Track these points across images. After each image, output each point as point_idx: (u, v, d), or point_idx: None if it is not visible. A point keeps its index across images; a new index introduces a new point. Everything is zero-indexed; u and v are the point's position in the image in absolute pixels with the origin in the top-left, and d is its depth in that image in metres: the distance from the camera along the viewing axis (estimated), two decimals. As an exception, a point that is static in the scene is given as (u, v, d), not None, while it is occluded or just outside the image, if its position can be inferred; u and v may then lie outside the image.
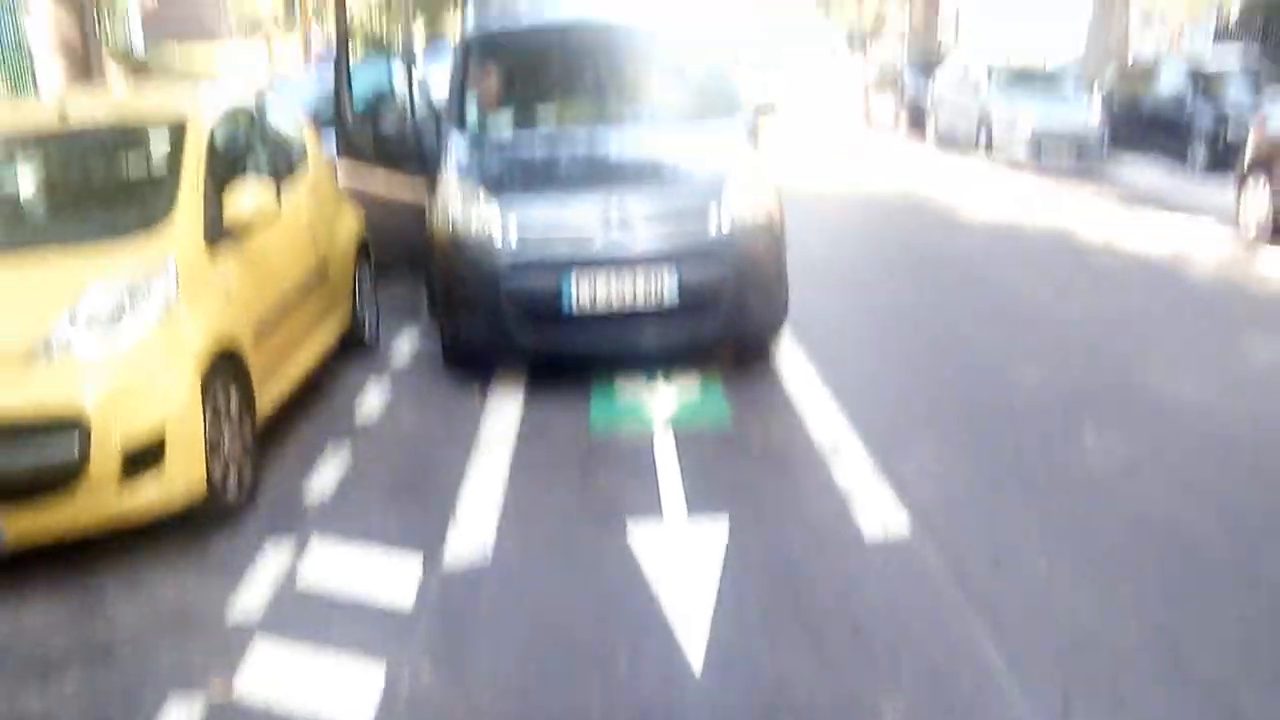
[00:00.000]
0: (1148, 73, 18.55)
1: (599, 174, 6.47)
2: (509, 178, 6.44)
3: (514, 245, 6.00)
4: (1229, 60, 17.88)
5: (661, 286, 5.98)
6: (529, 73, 7.57)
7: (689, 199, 6.20)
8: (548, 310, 6.00)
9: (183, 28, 32.72)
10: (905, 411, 5.97)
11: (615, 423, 5.83)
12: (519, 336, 6.07)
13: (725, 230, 6.08)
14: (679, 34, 7.77)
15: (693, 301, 6.04)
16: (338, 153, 8.20)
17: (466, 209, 6.13)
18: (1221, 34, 27.55)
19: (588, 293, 5.94)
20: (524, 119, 7.33)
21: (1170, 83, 17.08)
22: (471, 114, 7.14)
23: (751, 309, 6.27)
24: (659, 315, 6.05)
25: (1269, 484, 4.93)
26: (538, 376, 6.57)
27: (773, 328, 6.66)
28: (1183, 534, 4.42)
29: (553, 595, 4.09)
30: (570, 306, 5.95)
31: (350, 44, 25.20)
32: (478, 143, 6.90)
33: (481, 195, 6.14)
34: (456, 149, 6.71)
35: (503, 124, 7.28)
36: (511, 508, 4.83)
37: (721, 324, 6.16)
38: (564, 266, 5.96)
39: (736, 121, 6.96)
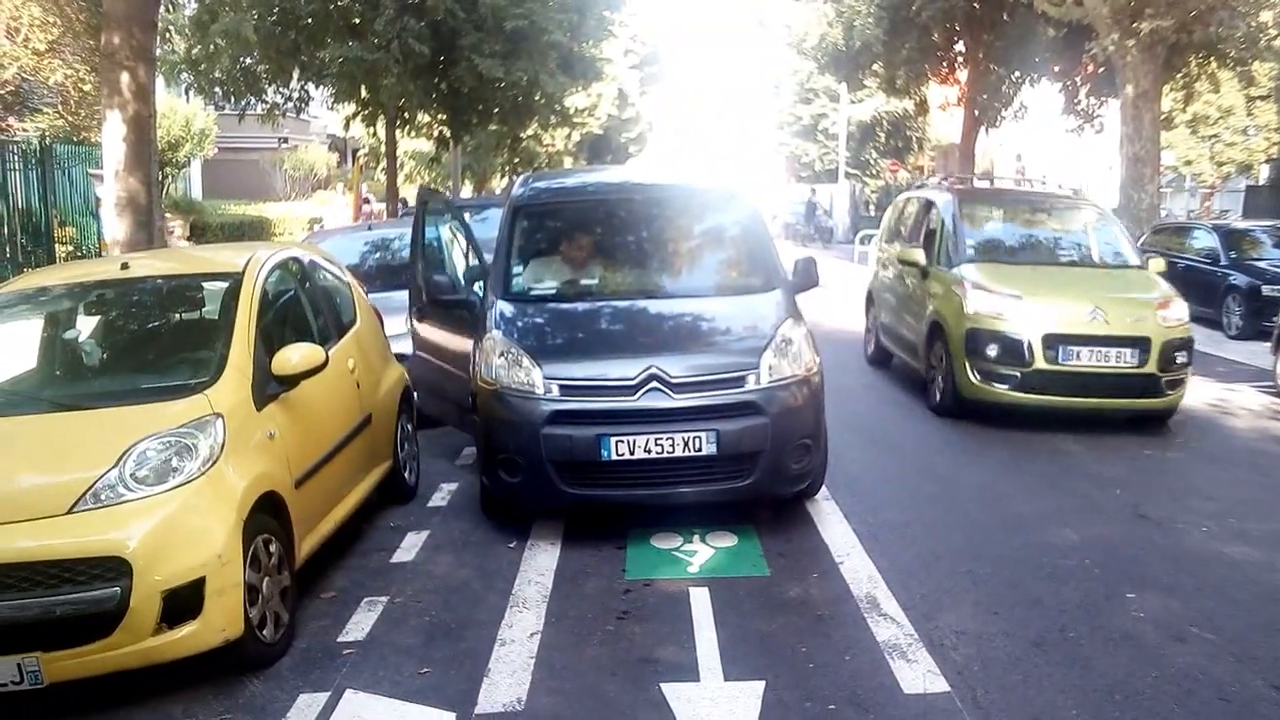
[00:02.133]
0: (1180, 232, 18.78)
1: (641, 335, 6.56)
2: (552, 338, 6.57)
3: (555, 399, 6.10)
4: (1261, 225, 18.10)
5: (700, 437, 6.03)
6: (575, 236, 7.60)
7: (730, 355, 6.33)
8: (586, 460, 6.05)
9: (239, 186, 33.95)
10: (941, 567, 5.92)
11: (651, 572, 5.83)
12: (558, 485, 6.10)
13: (765, 384, 6.17)
14: (720, 200, 7.94)
15: (732, 453, 6.08)
16: (411, 315, 8.58)
17: (509, 366, 6.27)
18: (1252, 199, 27.91)
19: (626, 444, 6.00)
20: (570, 282, 7.34)
21: (1203, 246, 17.24)
22: (516, 275, 7.27)
23: (789, 463, 6.28)
24: (699, 463, 6.09)
25: (1317, 647, 4.83)
26: (573, 525, 6.59)
27: (812, 483, 6.71)
28: (1231, 696, 4.32)
29: (585, 749, 4.05)
30: (609, 457, 6.00)
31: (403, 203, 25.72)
32: (521, 303, 6.94)
33: (524, 354, 6.28)
34: (500, 309, 6.80)
35: (547, 286, 7.31)
36: (545, 660, 4.81)
37: (760, 477, 6.17)
38: (603, 418, 6.05)
39: (778, 296, 6.94)
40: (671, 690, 4.46)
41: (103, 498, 4.33)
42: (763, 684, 4.48)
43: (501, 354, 6.35)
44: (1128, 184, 21.10)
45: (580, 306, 7.04)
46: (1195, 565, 5.90)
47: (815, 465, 6.58)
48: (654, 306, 6.94)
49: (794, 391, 6.28)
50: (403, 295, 9.78)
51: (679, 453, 6.03)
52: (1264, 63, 25.04)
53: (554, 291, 7.22)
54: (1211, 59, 23.38)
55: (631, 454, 6.01)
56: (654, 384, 6.08)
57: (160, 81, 15.33)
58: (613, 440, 6.00)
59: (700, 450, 6.04)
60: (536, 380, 6.16)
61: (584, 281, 7.35)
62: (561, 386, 6.13)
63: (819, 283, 7.36)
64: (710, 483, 6.18)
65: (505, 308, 6.83)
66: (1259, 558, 6.01)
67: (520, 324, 6.68)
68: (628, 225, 7.79)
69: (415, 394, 7.97)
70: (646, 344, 6.43)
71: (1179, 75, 24.12)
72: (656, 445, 6.01)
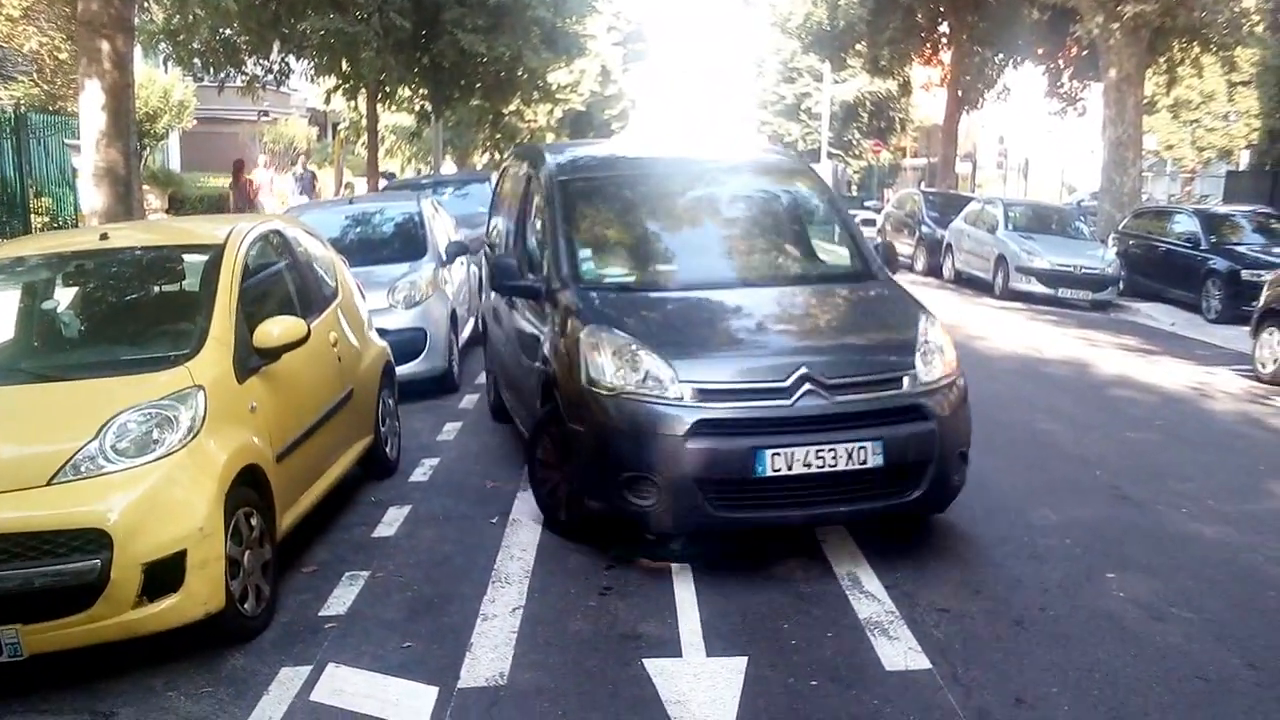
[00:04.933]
0: (1161, 216, 18.90)
1: (773, 328, 6.00)
2: (670, 333, 5.69)
3: (697, 405, 5.26)
4: (1241, 210, 18.23)
5: (865, 447, 5.28)
6: (639, 216, 6.97)
7: (881, 351, 5.75)
8: (738, 478, 5.23)
9: (219, 159, 33.69)
10: (923, 546, 5.94)
11: (634, 549, 5.82)
12: (704, 508, 5.24)
13: (925, 385, 5.53)
14: (789, 176, 7.54)
15: (897, 464, 5.37)
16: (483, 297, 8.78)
17: (626, 366, 5.42)
18: (1232, 184, 28.10)
19: (783, 458, 5.18)
20: (649, 267, 6.64)
21: (1183, 230, 17.33)
22: (585, 260, 6.46)
23: (951, 474, 5.62)
24: (862, 476, 5.33)
25: (1294, 627, 4.88)
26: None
27: (958, 490, 5.83)
28: (1210, 675, 4.35)
29: (568, 723, 4.05)
30: (763, 472, 5.18)
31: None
32: (603, 292, 6.15)
33: (648, 351, 5.42)
34: (586, 298, 5.99)
35: (621, 272, 6.55)
36: (528, 635, 4.81)
37: (926, 491, 5.48)
38: (755, 428, 5.25)
39: (897, 286, 6.50)
40: (654, 666, 4.46)
41: (83, 469, 4.29)
42: (745, 660, 4.49)
43: (615, 352, 5.48)
44: (1110, 167, 21.18)
45: (683, 296, 6.19)
46: (1175, 546, 5.94)
47: (964, 468, 5.79)
48: (764, 296, 6.26)
49: (952, 393, 5.65)
50: (384, 269, 9.80)
51: (841, 466, 5.24)
52: (1246, 48, 25.12)
53: (634, 279, 6.44)
54: (1194, 44, 23.47)
55: (789, 469, 5.18)
56: (808, 385, 5.29)
57: (138, 51, 15.15)
58: (768, 453, 5.15)
59: (865, 462, 5.26)
60: (669, 383, 5.30)
61: (663, 267, 6.64)
62: (701, 391, 5.28)
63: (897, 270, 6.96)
64: (873, 500, 5.44)
65: (590, 297, 6.03)
66: (1237, 539, 6.06)
67: (622, 317, 5.80)
68: (697, 203, 7.14)
69: (501, 394, 8.08)
70: (786, 339, 5.84)
71: (1162, 59, 24.21)
72: (817, 458, 5.20)
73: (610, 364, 5.45)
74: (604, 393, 5.42)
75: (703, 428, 5.19)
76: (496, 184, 9.44)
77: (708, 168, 7.50)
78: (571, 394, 5.63)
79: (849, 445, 5.24)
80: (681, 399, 5.26)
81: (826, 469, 5.21)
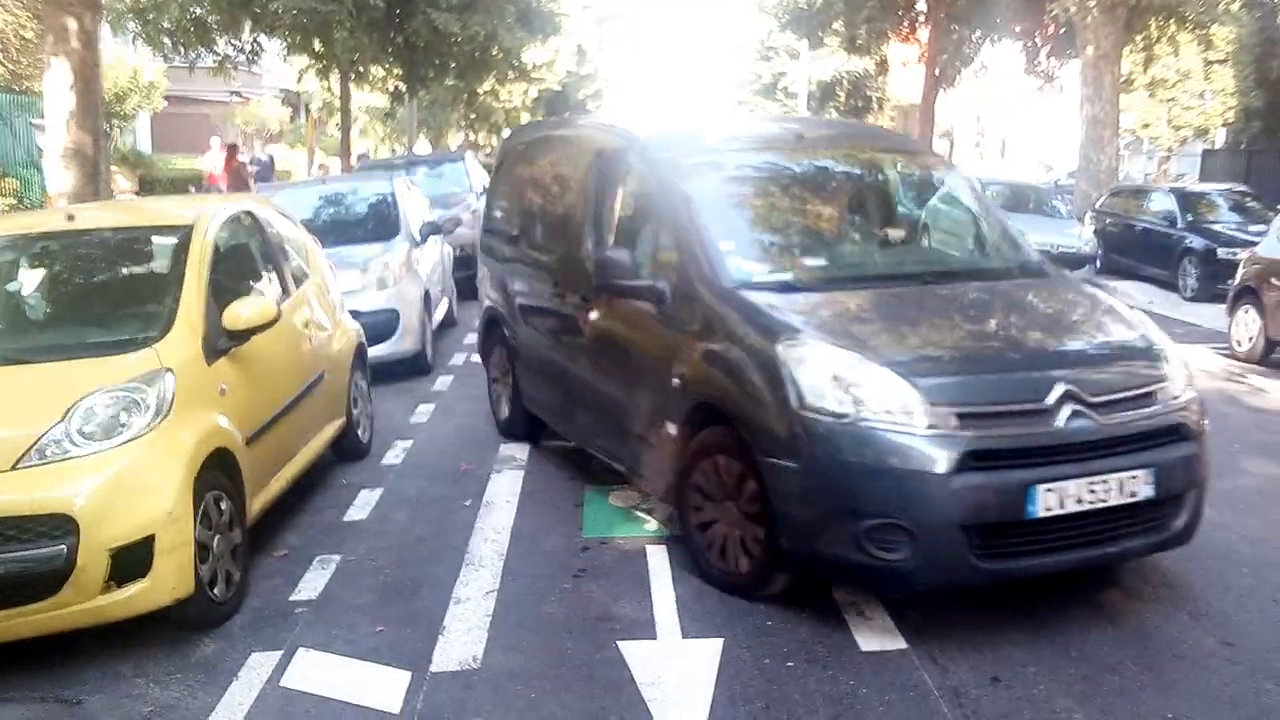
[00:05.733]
0: (1138, 195, 18.97)
1: (1010, 335, 5.01)
2: (897, 344, 4.73)
3: (956, 434, 4.32)
4: (1218, 188, 18.32)
5: (1136, 476, 4.49)
6: (775, 201, 6.01)
7: (1128, 360, 4.94)
8: (1004, 520, 4.34)
9: (191, 140, 33.41)
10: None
11: (609, 530, 5.79)
12: (969, 558, 4.31)
13: (1180, 400, 4.79)
14: (912, 154, 6.92)
15: (1168, 491, 4.63)
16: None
17: (854, 386, 4.41)
18: (1209, 162, 28.23)
19: (1055, 494, 4.33)
20: (808, 261, 5.56)
21: (1160, 209, 17.40)
22: (730, 257, 5.29)
23: (1204, 502, 4.90)
24: (1130, 511, 4.55)
25: (1266, 602, 4.89)
26: (530, 484, 6.55)
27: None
28: (1185, 654, 4.36)
29: (544, 703, 4.02)
30: (1034, 513, 4.33)
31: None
32: (782, 297, 5.02)
33: (881, 367, 4.44)
34: (762, 302, 4.95)
35: (781, 268, 5.42)
36: (501, 618, 4.77)
37: (1186, 522, 4.77)
38: (1023, 458, 4.37)
39: (1085, 283, 5.85)
40: (629, 648, 4.43)
41: (48, 454, 4.23)
42: (720, 641, 4.47)
43: (836, 369, 4.47)
44: (1087, 146, 21.23)
45: (869, 296, 5.25)
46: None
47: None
48: (959, 296, 5.37)
49: (1199, 405, 4.90)
50: (357, 250, 9.70)
51: (1112, 500, 4.44)
52: (1222, 26, 25.16)
53: (792, 276, 5.31)
54: (1171, 21, 23.49)
55: (1061, 506, 4.33)
56: (1073, 405, 4.44)
57: (106, 30, 14.96)
58: (1040, 489, 4.29)
59: (1134, 495, 4.48)
60: (918, 407, 4.33)
61: (814, 261, 5.58)
62: (960, 416, 4.34)
63: None
64: (1138, 536, 4.65)
65: (760, 301, 4.95)
66: (1213, 517, 6.02)
67: (818, 324, 4.80)
68: (834, 185, 6.34)
69: (537, 412, 7.10)
70: (1028, 348, 4.89)
71: (1139, 37, 24.22)
72: (1090, 491, 4.37)
73: (829, 384, 4.43)
74: (829, 420, 4.38)
75: (971, 461, 4.26)
76: (504, 162, 8.18)
77: (834, 143, 6.64)
78: (770, 421, 4.55)
79: (1120, 475, 4.44)
80: (936, 427, 4.30)
81: (1097, 504, 4.40)
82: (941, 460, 4.24)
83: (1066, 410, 4.41)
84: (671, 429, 5.22)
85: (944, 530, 4.27)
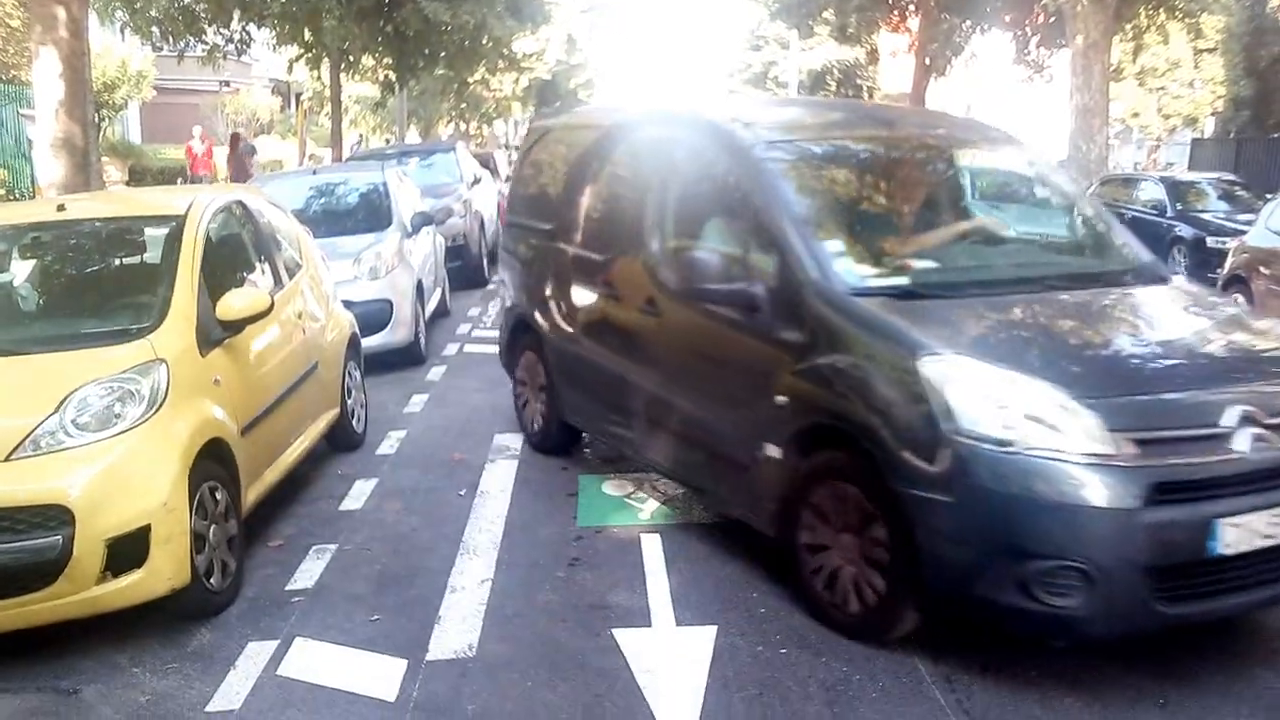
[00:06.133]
0: (1127, 184, 19.04)
1: (1150, 345, 4.62)
2: (1053, 359, 4.19)
3: (1136, 463, 3.81)
4: (1207, 177, 18.39)
5: None
6: (873, 198, 5.58)
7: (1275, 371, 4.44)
8: (1189, 560, 3.88)
9: (181, 130, 33.33)
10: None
11: (603, 519, 5.81)
12: (1149, 602, 3.83)
13: None
14: (1006, 147, 6.21)
15: None
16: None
17: (1013, 408, 3.90)
18: (1198, 151, 28.31)
19: (1239, 528, 3.85)
20: (924, 264, 5.03)
21: (1149, 197, 17.47)
22: (840, 255, 4.78)
23: None
24: None
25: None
26: (524, 472, 6.57)
27: None
28: (1177, 638, 4.40)
29: (538, 692, 4.05)
30: (1215, 550, 3.84)
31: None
32: (907, 304, 4.49)
33: (1050, 387, 3.92)
34: (882, 316, 4.40)
35: (891, 272, 4.85)
36: (496, 607, 4.79)
37: None
38: (1206, 492, 3.87)
39: (1198, 287, 5.48)
40: (623, 636, 4.45)
41: (42, 445, 4.23)
42: (715, 629, 4.49)
43: (993, 389, 3.97)
44: (1076, 135, 21.23)
45: (1002, 303, 4.70)
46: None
47: None
48: (1094, 303, 4.88)
49: None
50: (349, 240, 9.70)
51: None
52: (1211, 15, 25.22)
53: (908, 281, 4.75)
54: (1160, 10, 23.53)
55: (1245, 543, 3.87)
56: (1251, 428, 3.93)
57: (94, 19, 14.89)
58: (1222, 524, 3.82)
59: None
60: (1095, 433, 3.81)
61: (928, 264, 5.06)
62: (1141, 443, 3.84)
63: None
64: None
65: (893, 309, 4.44)
66: None
67: (961, 336, 4.32)
68: (935, 179, 5.91)
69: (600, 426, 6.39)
70: (1194, 363, 4.44)
71: (1128, 26, 24.26)
72: (1271, 524, 3.89)
73: (988, 406, 3.92)
74: (991, 447, 3.86)
75: (1159, 495, 3.77)
76: (534, 149, 7.45)
77: (927, 132, 6.08)
78: (913, 449, 4.01)
79: None
80: (1116, 455, 3.79)
81: (1276, 540, 3.92)
82: (1128, 494, 3.74)
83: (1247, 434, 3.90)
84: (773, 451, 4.66)
85: (1126, 572, 3.78)
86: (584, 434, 6.89)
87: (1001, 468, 3.83)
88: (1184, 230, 16.07)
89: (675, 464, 5.65)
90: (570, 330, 6.49)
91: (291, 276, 6.61)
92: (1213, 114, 33.14)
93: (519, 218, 7.44)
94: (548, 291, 6.73)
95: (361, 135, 36.49)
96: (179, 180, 23.02)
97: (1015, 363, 4.08)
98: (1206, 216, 16.36)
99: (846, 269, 4.70)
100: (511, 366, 7.48)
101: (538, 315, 6.88)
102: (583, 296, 6.33)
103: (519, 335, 7.26)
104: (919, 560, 4.04)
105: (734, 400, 4.97)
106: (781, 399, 4.60)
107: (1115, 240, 5.53)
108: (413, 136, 35.24)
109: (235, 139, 22.71)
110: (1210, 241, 15.27)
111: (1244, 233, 12.31)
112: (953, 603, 4.10)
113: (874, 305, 4.47)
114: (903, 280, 4.74)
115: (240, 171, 21.42)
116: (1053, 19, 25.64)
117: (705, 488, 5.51)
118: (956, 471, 3.89)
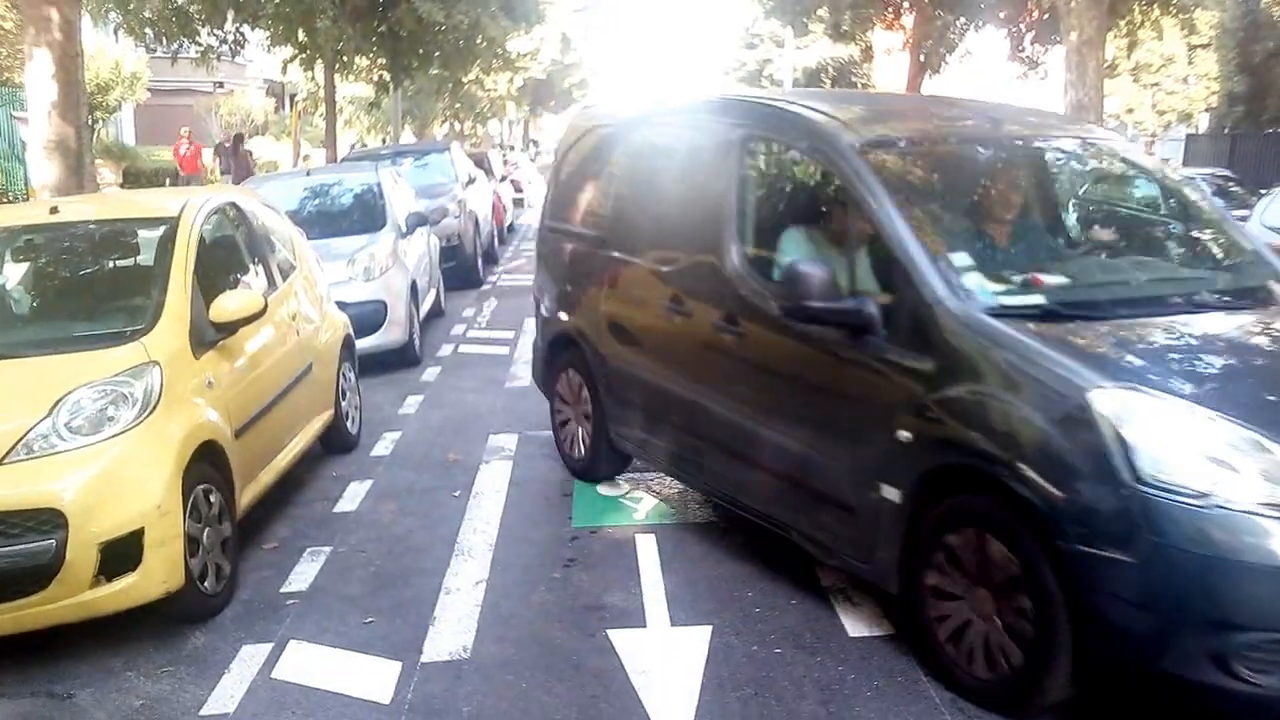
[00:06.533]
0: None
1: None
2: (1245, 396, 3.69)
3: None
4: (1201, 173, 18.42)
5: None
6: (1003, 204, 5.04)
7: None
8: None
9: (175, 131, 33.32)
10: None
11: (598, 519, 5.81)
12: None
13: None
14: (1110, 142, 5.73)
15: None
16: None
17: (1242, 466, 3.34)
18: (1192, 147, 28.33)
19: None
20: (1057, 279, 4.37)
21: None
22: (968, 274, 4.14)
23: None
24: None
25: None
26: (519, 473, 6.57)
27: None
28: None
29: (534, 693, 4.04)
30: None
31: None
32: (1054, 327, 3.92)
33: (1259, 438, 3.38)
34: (1050, 340, 3.80)
35: (1019, 289, 4.26)
36: (491, 608, 4.78)
37: None
38: None
39: None
40: (618, 636, 4.45)
41: (35, 448, 4.22)
42: (709, 629, 4.49)
43: (1187, 432, 3.44)
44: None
45: (1161, 326, 4.11)
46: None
47: None
48: (1269, 325, 4.30)
49: None
50: (343, 241, 9.69)
51: None
52: (1206, 10, 25.24)
53: (1044, 299, 4.15)
54: (1154, 6, 23.53)
55: None
56: None
57: (87, 20, 14.86)
58: None
59: None
60: None
61: (1060, 279, 4.39)
62: None
63: None
64: None
65: (1041, 332, 3.85)
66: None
67: (1142, 368, 3.71)
68: (1055, 186, 5.47)
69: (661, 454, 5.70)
70: None
71: (1123, 22, 24.26)
72: None
73: (1175, 448, 3.39)
74: (1186, 500, 3.30)
75: None
76: (577, 147, 6.74)
77: (1042, 132, 5.54)
78: (1082, 498, 3.46)
79: None
80: None
81: None
82: None
83: None
84: (892, 494, 4.08)
85: None
86: (633, 459, 6.30)
87: (1197, 523, 3.27)
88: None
89: (758, 502, 5.01)
90: (625, 348, 5.88)
91: (285, 278, 6.60)
92: (1207, 110, 33.18)
93: (560, 223, 6.72)
94: (597, 304, 6.13)
95: (360, 136, 36.44)
96: (167, 182, 22.97)
97: (1202, 397, 3.55)
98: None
99: (979, 286, 4.10)
100: (550, 385, 6.79)
101: (584, 330, 6.25)
102: (642, 310, 5.72)
103: (559, 351, 6.61)
104: (1084, 626, 3.49)
105: (839, 433, 4.38)
106: (905, 435, 4.00)
107: (1246, 249, 4.90)
108: (407, 137, 35.18)
109: (239, 140, 22.75)
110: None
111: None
112: (1126, 676, 3.52)
113: (1020, 328, 3.87)
114: (1040, 299, 4.15)
115: (244, 172, 21.48)
116: (1047, 15, 25.64)
117: (797, 529, 4.76)
118: (1140, 527, 3.33)
